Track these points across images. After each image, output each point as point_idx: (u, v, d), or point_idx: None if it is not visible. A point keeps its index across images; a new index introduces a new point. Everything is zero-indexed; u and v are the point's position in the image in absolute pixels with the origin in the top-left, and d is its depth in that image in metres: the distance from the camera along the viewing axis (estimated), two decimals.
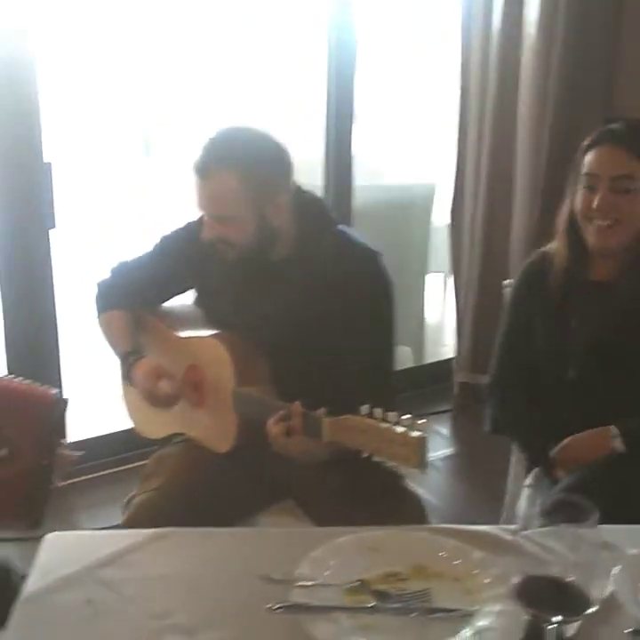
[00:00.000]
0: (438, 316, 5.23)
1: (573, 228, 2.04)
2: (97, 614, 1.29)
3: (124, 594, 1.33)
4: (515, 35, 3.41)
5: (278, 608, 1.28)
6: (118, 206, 7.22)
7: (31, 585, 1.35)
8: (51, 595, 1.33)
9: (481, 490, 3.18)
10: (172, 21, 6.44)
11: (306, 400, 1.73)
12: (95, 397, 3.36)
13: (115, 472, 3.07)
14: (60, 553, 1.44)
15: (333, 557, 1.40)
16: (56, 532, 1.48)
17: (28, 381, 1.79)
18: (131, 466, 3.03)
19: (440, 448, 3.50)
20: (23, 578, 1.98)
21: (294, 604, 1.29)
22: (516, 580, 1.13)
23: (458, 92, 3.56)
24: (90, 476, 2.93)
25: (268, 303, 1.96)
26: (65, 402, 1.80)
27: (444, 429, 3.68)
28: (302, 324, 1.92)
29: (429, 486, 3.01)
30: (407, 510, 1.84)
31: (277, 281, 1.95)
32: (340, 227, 2.03)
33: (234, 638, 1.24)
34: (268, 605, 1.28)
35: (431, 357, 4.38)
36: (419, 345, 4.25)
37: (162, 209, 5.93)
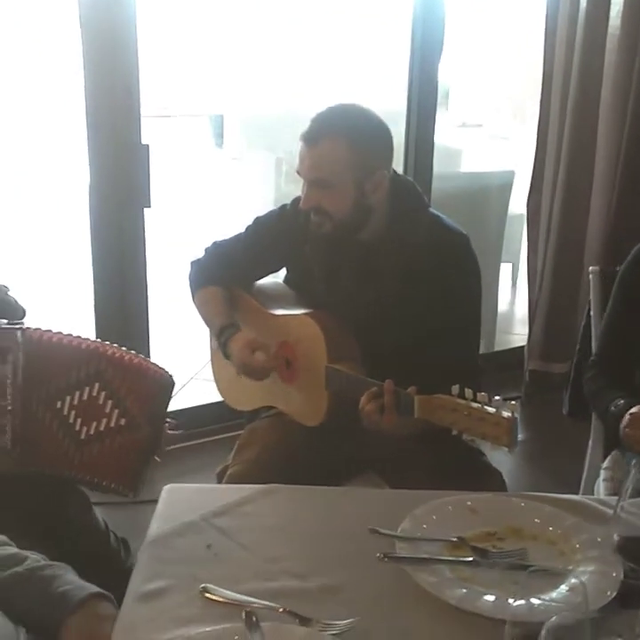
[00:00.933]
0: (507, 305, 5.28)
1: None
2: (217, 557, 1.40)
3: (240, 540, 1.43)
4: (600, 22, 3.43)
5: (385, 558, 1.37)
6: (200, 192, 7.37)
7: (154, 530, 1.46)
8: (173, 538, 1.44)
9: (550, 476, 3.23)
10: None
11: (395, 378, 1.79)
12: (183, 373, 3.50)
13: (201, 443, 3.19)
14: (178, 503, 1.55)
15: (434, 515, 1.49)
16: (172, 485, 1.59)
17: (147, 359, 1.92)
18: (217, 437, 3.16)
19: None
20: (122, 540, 2.11)
21: (400, 555, 1.38)
22: (617, 537, 1.20)
23: (540, 80, 3.59)
24: (178, 445, 3.06)
25: (359, 282, 2.02)
26: (174, 382, 1.93)
27: None
28: (394, 303, 1.98)
29: (500, 471, 3.06)
30: (490, 486, 1.87)
31: (369, 260, 2.01)
32: (432, 210, 2.09)
33: (343, 583, 1.33)
34: (377, 555, 1.37)
35: (500, 345, 4.44)
36: (490, 333, 4.31)
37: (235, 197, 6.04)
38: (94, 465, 1.84)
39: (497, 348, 4.37)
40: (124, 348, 1.91)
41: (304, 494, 1.59)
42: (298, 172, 1.97)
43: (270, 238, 2.17)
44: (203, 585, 1.30)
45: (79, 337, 1.89)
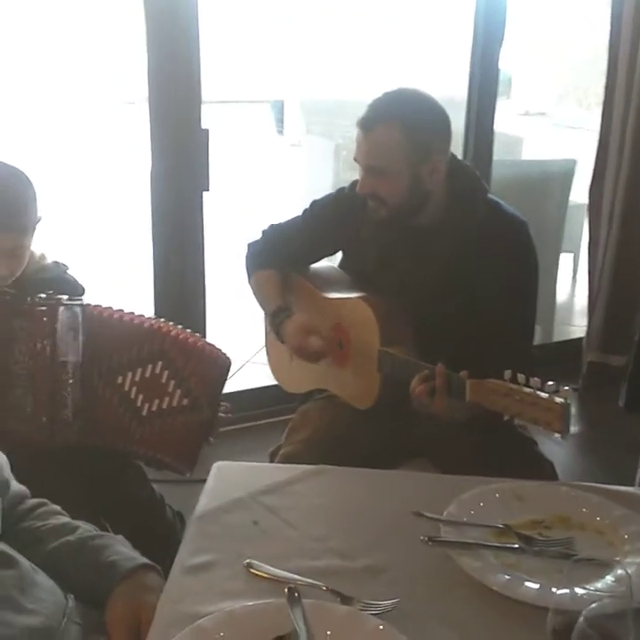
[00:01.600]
0: (566, 295, 5.20)
1: None
2: (263, 533, 1.42)
3: (286, 518, 1.45)
4: None
5: (429, 541, 1.37)
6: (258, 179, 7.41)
7: (202, 506, 1.49)
8: (221, 514, 1.46)
9: (605, 468, 3.18)
10: None
11: (448, 362, 1.79)
12: (238, 356, 3.54)
13: (256, 425, 3.22)
14: (227, 480, 1.57)
15: (481, 501, 1.49)
16: (223, 462, 1.61)
17: (208, 341, 1.95)
18: (272, 420, 3.18)
19: None
20: (177, 513, 2.16)
21: (445, 539, 1.38)
22: None
23: (605, 66, 3.51)
24: (232, 427, 3.10)
25: (414, 266, 2.02)
26: (231, 364, 1.97)
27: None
28: (448, 287, 1.97)
29: (554, 462, 3.02)
30: (542, 476, 1.86)
31: (425, 244, 2.00)
32: (491, 195, 2.07)
33: (387, 564, 1.34)
34: (421, 538, 1.37)
35: (558, 336, 4.38)
36: (548, 323, 4.25)
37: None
38: (155, 441, 1.89)
39: (555, 339, 4.31)
40: (188, 330, 1.95)
41: (351, 476, 1.60)
42: (355, 159, 1.98)
43: (326, 221, 2.19)
44: (248, 560, 1.32)
45: (141, 316, 1.93)
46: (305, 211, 2.25)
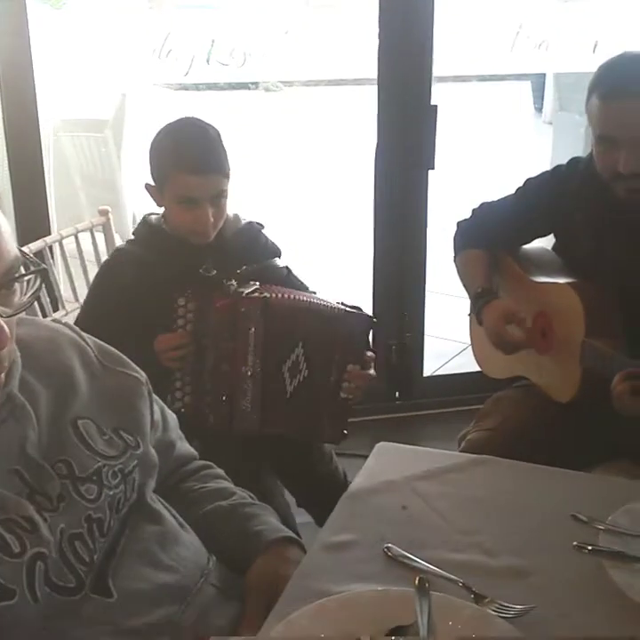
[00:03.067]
0: None
1: None
2: (410, 519, 1.38)
3: (436, 507, 1.40)
4: None
5: (584, 548, 1.27)
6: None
7: (356, 484, 1.48)
8: (372, 495, 1.44)
9: None
10: None
11: None
12: (452, 338, 3.48)
13: (456, 411, 3.15)
14: (387, 460, 1.55)
15: None
16: (385, 442, 1.60)
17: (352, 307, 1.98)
18: (469, 407, 3.11)
19: None
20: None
21: (602, 547, 1.27)
22: None
23: None
24: (431, 411, 3.06)
25: (632, 255, 1.88)
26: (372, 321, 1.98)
27: None
28: None
29: None
30: None
31: None
32: None
33: (532, 566, 1.25)
34: (575, 543, 1.27)
35: None
36: None
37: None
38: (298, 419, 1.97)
39: None
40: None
41: (515, 469, 1.52)
42: (601, 136, 1.82)
43: (539, 201, 2.09)
44: (387, 544, 1.30)
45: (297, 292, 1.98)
46: (518, 189, 2.17)
